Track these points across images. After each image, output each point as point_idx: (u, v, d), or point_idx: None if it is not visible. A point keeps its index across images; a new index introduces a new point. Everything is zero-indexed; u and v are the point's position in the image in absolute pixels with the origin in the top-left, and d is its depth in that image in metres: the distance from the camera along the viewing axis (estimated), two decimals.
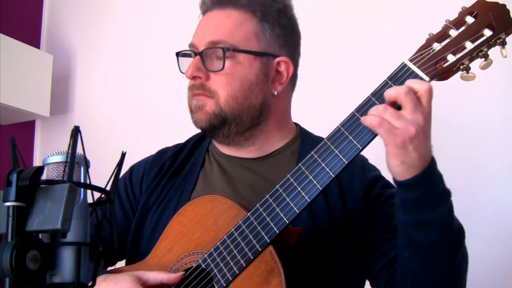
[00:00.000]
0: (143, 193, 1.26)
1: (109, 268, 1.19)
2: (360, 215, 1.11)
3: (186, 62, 1.19)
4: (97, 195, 0.67)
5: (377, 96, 0.95)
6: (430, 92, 0.91)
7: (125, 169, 1.30)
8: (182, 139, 1.36)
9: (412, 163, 0.90)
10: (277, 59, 1.17)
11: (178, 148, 1.31)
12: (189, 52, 1.19)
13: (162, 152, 1.33)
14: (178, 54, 1.22)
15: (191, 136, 1.35)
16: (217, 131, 1.16)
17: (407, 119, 0.89)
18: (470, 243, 1.62)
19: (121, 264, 1.24)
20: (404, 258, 0.99)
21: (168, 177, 1.25)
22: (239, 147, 1.21)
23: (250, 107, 1.15)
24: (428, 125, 0.91)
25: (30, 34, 2.71)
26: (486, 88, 1.65)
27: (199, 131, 1.36)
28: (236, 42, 1.13)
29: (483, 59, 0.94)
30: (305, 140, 1.22)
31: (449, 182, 1.70)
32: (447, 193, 0.96)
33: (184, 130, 1.30)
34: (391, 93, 0.91)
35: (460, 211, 1.66)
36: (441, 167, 1.76)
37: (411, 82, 0.92)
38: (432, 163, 0.93)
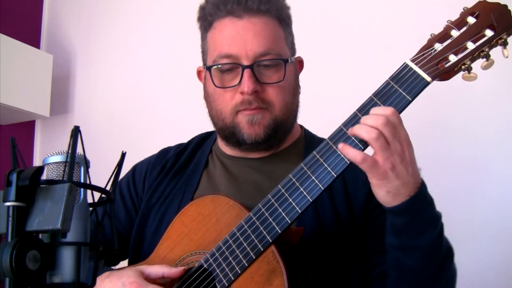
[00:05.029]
0: (146, 192, 1.26)
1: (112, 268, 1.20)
2: (362, 218, 1.12)
3: (215, 73, 1.13)
4: (97, 195, 0.67)
5: (379, 97, 0.95)
6: (395, 114, 0.91)
7: (125, 169, 1.30)
8: (182, 139, 1.36)
9: (397, 191, 0.91)
10: (298, 59, 1.23)
11: (181, 148, 1.31)
12: (228, 64, 1.11)
13: (164, 152, 1.33)
14: (210, 68, 1.13)
15: (193, 136, 1.35)
16: (270, 142, 1.15)
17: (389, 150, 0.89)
18: (471, 244, 1.63)
19: (123, 263, 1.24)
20: (391, 277, 1.02)
21: (170, 176, 1.25)
22: (253, 151, 1.20)
23: (294, 111, 1.19)
24: (408, 150, 0.91)
25: (30, 34, 2.71)
26: (487, 88, 1.65)
27: (199, 131, 1.36)
28: (280, 50, 1.14)
29: (484, 59, 0.95)
30: (309, 141, 1.23)
31: (449, 183, 1.71)
32: (436, 218, 0.97)
33: (184, 130, 1.30)
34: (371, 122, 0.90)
35: (461, 212, 1.67)
36: (441, 168, 1.76)
37: (376, 110, 0.92)
38: (421, 189, 0.93)
